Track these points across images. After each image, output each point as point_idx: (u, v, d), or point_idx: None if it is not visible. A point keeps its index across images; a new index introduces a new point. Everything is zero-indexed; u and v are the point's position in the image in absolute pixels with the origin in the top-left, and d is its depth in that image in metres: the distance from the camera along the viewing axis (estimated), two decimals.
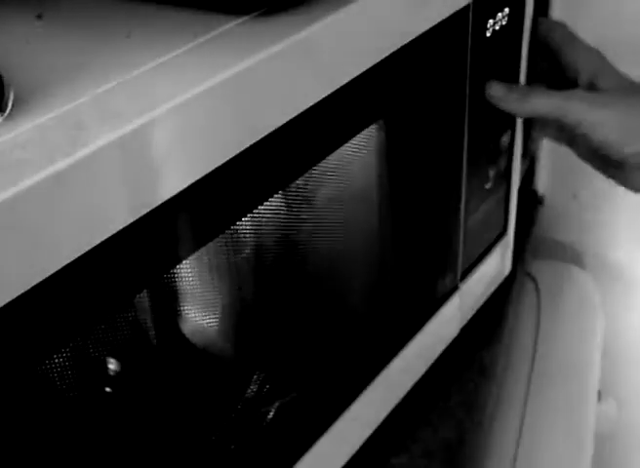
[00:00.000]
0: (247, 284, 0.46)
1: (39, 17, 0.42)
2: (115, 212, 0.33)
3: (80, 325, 0.34)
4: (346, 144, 0.46)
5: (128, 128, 0.32)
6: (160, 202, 0.34)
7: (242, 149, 0.37)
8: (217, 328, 0.45)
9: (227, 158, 0.37)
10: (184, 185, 0.35)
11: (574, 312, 0.85)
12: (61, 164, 0.30)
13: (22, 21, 0.42)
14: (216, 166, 0.36)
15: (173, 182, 0.35)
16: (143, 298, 0.39)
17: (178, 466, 0.43)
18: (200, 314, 0.44)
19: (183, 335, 0.43)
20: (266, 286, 0.47)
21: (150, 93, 0.34)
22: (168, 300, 0.41)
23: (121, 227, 0.33)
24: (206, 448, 0.45)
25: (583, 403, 0.76)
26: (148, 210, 0.34)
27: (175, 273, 0.39)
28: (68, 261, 0.31)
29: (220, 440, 0.46)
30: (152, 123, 0.33)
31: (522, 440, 0.70)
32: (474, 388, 0.66)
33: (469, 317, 0.69)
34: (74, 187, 0.31)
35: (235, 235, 0.42)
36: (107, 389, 0.38)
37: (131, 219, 0.33)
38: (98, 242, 0.32)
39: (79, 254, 0.32)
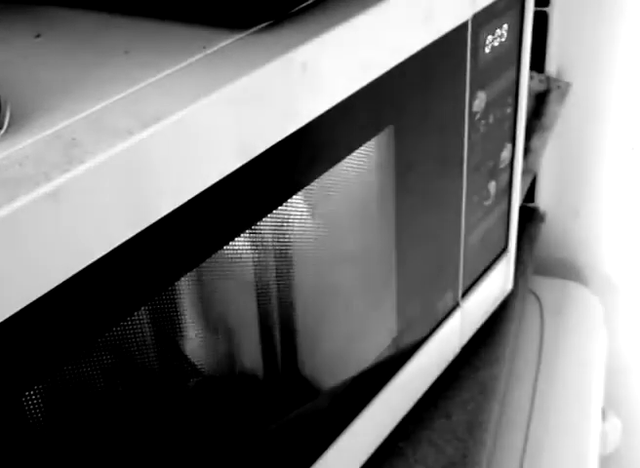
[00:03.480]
0: (250, 301, 0.45)
1: (38, 36, 0.42)
2: (112, 227, 0.32)
3: (76, 344, 0.33)
4: (350, 158, 0.46)
5: (125, 144, 0.32)
6: (158, 218, 0.34)
7: (247, 160, 0.37)
8: (220, 346, 0.45)
9: (229, 172, 0.36)
10: (182, 201, 0.35)
11: (577, 330, 0.85)
12: (58, 180, 0.30)
13: (21, 38, 0.42)
14: (217, 180, 0.36)
15: (170, 198, 0.35)
16: (142, 315, 0.39)
17: None
18: (201, 332, 0.43)
19: (184, 354, 0.43)
20: (265, 302, 0.46)
21: (148, 109, 0.34)
22: (168, 317, 0.40)
23: (119, 243, 0.33)
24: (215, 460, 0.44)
25: (587, 422, 0.75)
26: (146, 226, 0.34)
27: (176, 289, 0.39)
28: (66, 277, 0.31)
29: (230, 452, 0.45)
30: (149, 139, 0.33)
31: (525, 459, 0.69)
32: (476, 407, 0.65)
33: (471, 335, 0.69)
34: (71, 204, 0.31)
35: (234, 252, 0.41)
36: (104, 408, 0.38)
37: (129, 235, 0.33)
38: (96, 258, 0.32)
39: (78, 270, 0.31)
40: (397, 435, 0.60)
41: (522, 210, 0.78)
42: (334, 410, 0.53)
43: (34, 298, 0.30)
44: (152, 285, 0.36)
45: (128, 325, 0.37)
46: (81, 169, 0.31)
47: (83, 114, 0.34)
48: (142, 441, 0.39)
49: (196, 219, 0.36)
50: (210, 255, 0.39)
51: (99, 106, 0.35)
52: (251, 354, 0.47)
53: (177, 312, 0.40)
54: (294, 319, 0.48)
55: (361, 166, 0.48)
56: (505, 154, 0.63)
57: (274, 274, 0.45)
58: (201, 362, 0.43)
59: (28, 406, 0.32)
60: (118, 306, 0.35)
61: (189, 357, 0.42)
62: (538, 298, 0.86)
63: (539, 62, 0.80)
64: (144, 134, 0.33)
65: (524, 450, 0.70)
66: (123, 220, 0.33)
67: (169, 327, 0.40)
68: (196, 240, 0.37)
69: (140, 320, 0.37)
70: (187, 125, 0.34)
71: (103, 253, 0.32)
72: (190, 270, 0.38)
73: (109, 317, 0.35)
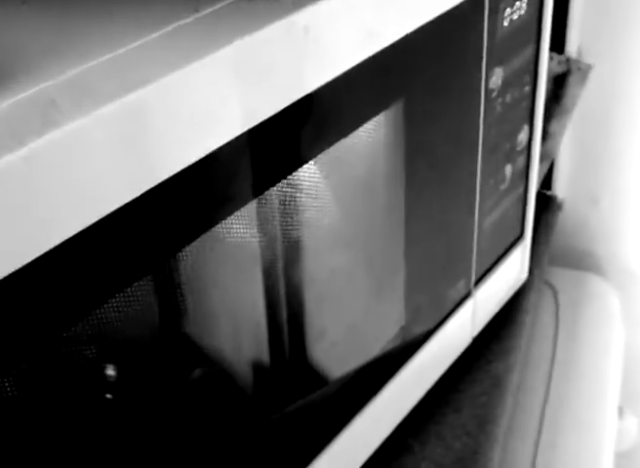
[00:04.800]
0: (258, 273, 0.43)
1: (24, 2, 0.40)
2: (97, 197, 0.30)
3: (65, 321, 0.31)
4: (357, 133, 0.43)
5: (110, 107, 0.30)
6: (153, 185, 0.32)
7: (249, 127, 0.35)
8: (223, 332, 0.42)
9: (231, 138, 0.34)
10: (179, 169, 0.33)
11: (593, 323, 0.82)
12: (32, 144, 0.28)
13: (6, 4, 0.39)
14: (218, 146, 0.34)
15: (168, 164, 0.32)
16: (136, 294, 0.36)
17: None
18: (203, 316, 0.40)
19: (185, 340, 0.40)
20: (271, 284, 0.44)
21: (134, 72, 0.32)
22: (166, 296, 0.38)
23: (105, 214, 0.30)
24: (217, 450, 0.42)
25: (603, 418, 0.73)
26: (138, 194, 0.31)
27: (173, 266, 0.37)
28: (50, 247, 0.29)
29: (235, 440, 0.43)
30: (136, 103, 0.30)
31: (539, 456, 0.67)
32: (488, 401, 0.62)
33: (483, 326, 0.66)
34: (47, 168, 0.28)
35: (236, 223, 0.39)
36: (103, 390, 0.36)
37: (116, 206, 0.31)
38: (81, 228, 0.30)
39: (63, 239, 0.29)
40: (404, 429, 0.58)
41: (539, 197, 0.75)
42: (339, 401, 0.51)
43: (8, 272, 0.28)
44: (144, 261, 0.34)
45: (117, 304, 0.34)
46: (58, 132, 0.28)
47: (65, 76, 0.31)
48: (144, 429, 0.38)
49: (196, 189, 0.34)
50: (211, 228, 0.36)
51: (82, 68, 0.32)
52: (256, 341, 0.44)
53: (175, 292, 0.38)
54: (300, 303, 0.46)
55: (368, 143, 0.46)
56: (523, 136, 0.60)
57: (280, 255, 0.43)
58: (204, 347, 0.41)
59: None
60: (112, 278, 0.32)
61: (192, 340, 0.40)
62: (553, 290, 0.84)
63: (558, 42, 0.77)
64: (131, 97, 0.31)
65: (537, 446, 0.68)
66: (111, 189, 0.30)
67: (167, 307, 0.38)
68: (197, 210, 0.35)
69: (133, 298, 0.35)
70: (178, 88, 0.32)
71: (85, 225, 0.30)
72: (190, 243, 0.36)
73: (96, 294, 0.32)
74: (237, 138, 0.35)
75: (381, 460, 0.57)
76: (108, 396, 0.36)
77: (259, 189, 0.39)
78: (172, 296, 0.38)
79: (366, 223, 0.49)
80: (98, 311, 0.33)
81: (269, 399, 0.45)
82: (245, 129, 0.35)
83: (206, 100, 0.33)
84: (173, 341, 0.39)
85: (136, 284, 0.35)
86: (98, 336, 0.34)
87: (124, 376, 0.36)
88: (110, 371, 0.36)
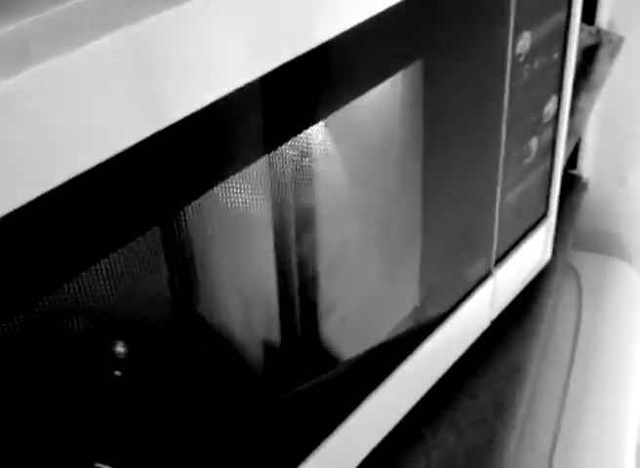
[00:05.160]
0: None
1: None
2: (81, 143, 0.27)
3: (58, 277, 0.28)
4: (373, 93, 0.40)
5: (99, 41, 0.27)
6: (148, 135, 0.29)
7: (257, 76, 0.33)
8: (232, 307, 0.39)
9: (238, 86, 0.32)
10: (173, 120, 0.30)
11: (617, 310, 0.80)
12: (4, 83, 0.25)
13: None
14: (222, 95, 0.31)
15: (157, 109, 0.29)
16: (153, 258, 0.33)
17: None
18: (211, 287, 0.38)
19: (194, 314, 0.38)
20: (282, 251, 0.41)
21: (117, 12, 0.28)
22: (180, 263, 0.35)
23: (95, 163, 0.28)
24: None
25: (627, 407, 0.70)
26: (132, 144, 0.29)
27: (174, 227, 0.34)
28: (39, 194, 0.26)
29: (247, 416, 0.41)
30: (132, 35, 0.27)
31: (558, 445, 0.64)
32: (506, 387, 0.60)
33: (503, 308, 0.63)
34: (20, 112, 0.25)
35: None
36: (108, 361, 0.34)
37: (109, 154, 0.28)
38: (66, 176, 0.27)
39: (51, 187, 0.27)
40: (416, 416, 0.56)
41: (564, 177, 0.71)
42: (349, 383, 0.48)
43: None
44: (147, 215, 0.31)
45: (126, 277, 0.32)
46: (32, 71, 0.25)
47: (43, 14, 0.28)
48: (152, 408, 0.36)
49: (201, 138, 0.32)
50: (218, 183, 0.34)
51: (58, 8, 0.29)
52: (266, 316, 0.42)
53: (184, 265, 0.35)
54: (311, 275, 0.43)
55: (384, 106, 0.42)
56: (550, 107, 0.57)
57: (291, 223, 0.40)
58: (213, 324, 0.39)
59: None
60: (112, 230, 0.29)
61: (202, 317, 0.38)
62: (576, 274, 0.81)
63: (589, 13, 0.73)
64: (132, 29, 0.28)
65: (556, 435, 0.65)
66: (113, 130, 0.28)
67: (176, 281, 0.35)
68: (203, 162, 0.32)
69: (141, 272, 0.33)
70: (178, 27, 0.29)
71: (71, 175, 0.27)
72: (196, 197, 0.33)
73: (97, 247, 0.30)
74: (245, 88, 0.32)
75: (391, 447, 0.54)
76: (117, 373, 0.34)
77: (269, 145, 0.36)
78: (180, 270, 0.35)
79: (380, 192, 0.45)
80: (105, 284, 0.31)
81: (279, 378, 0.43)
82: (252, 78, 0.32)
83: (211, 44, 0.30)
84: (183, 317, 0.37)
85: (144, 254, 0.32)
86: (105, 312, 0.32)
87: (133, 354, 0.34)
88: (119, 348, 0.34)
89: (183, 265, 0.35)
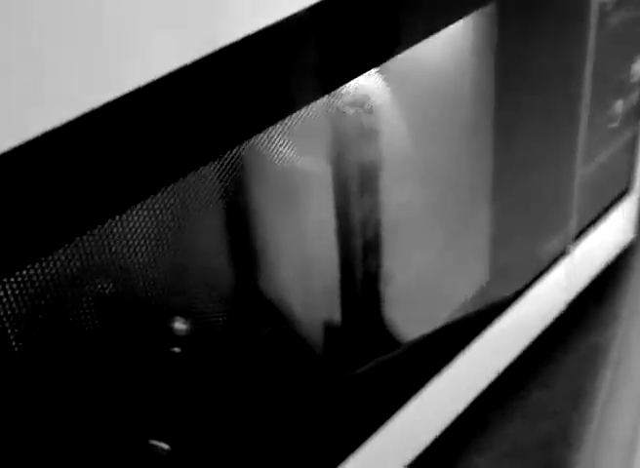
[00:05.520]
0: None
1: None
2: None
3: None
4: (440, 37, 0.36)
5: None
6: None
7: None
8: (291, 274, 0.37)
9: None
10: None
11: None
12: None
13: None
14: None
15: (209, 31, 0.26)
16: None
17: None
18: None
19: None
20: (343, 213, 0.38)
21: None
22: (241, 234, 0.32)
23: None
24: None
25: None
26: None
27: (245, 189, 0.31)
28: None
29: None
30: None
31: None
32: (582, 374, 0.57)
33: (580, 289, 0.60)
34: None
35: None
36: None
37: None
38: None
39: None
40: (483, 404, 0.53)
41: None
42: (410, 366, 0.46)
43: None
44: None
45: (184, 251, 0.29)
46: None
47: None
48: (210, 386, 0.34)
49: (255, 67, 0.29)
50: (273, 123, 0.31)
51: None
52: (326, 293, 0.39)
53: (245, 235, 0.32)
54: (372, 241, 0.40)
55: (454, 53, 0.39)
56: (638, 67, 0.52)
57: (353, 182, 0.37)
58: (275, 300, 0.36)
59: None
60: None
61: (261, 292, 0.36)
62: None
63: None
64: None
65: (637, 430, 0.60)
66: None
67: (236, 254, 0.32)
68: (258, 96, 0.29)
69: (199, 244, 0.30)
70: None
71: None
72: (257, 132, 0.30)
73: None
74: (301, 15, 0.29)
75: (456, 436, 0.51)
76: (176, 350, 0.33)
77: (327, 85, 0.32)
78: (240, 243, 0.33)
79: (447, 151, 0.41)
80: (164, 258, 0.29)
81: (339, 357, 0.41)
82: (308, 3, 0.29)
83: None
84: (244, 293, 0.35)
85: (203, 225, 0.30)
86: (164, 287, 0.30)
87: (193, 330, 0.33)
88: (178, 325, 0.33)
89: (244, 237, 0.33)
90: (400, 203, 0.40)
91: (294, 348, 0.38)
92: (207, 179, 0.29)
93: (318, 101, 0.32)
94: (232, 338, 0.35)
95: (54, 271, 0.25)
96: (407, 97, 0.37)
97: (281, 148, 0.32)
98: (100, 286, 0.28)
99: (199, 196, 0.29)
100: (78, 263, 0.26)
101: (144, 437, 0.32)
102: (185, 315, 0.32)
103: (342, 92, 0.33)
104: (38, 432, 0.27)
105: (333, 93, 0.33)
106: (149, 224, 0.28)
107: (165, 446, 0.33)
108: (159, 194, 0.28)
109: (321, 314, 0.39)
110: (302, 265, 0.37)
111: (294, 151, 0.33)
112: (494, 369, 0.53)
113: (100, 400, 0.29)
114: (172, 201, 0.28)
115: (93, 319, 0.28)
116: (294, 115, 0.31)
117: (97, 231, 0.26)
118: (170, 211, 0.28)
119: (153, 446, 0.33)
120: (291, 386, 0.38)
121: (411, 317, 0.45)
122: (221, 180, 0.30)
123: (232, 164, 0.30)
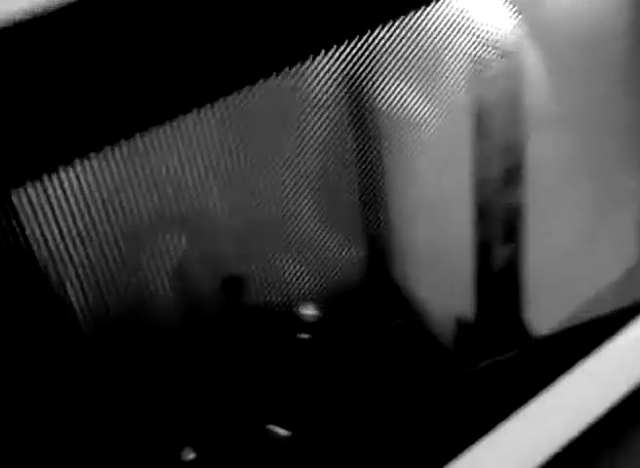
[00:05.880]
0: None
1: None
2: None
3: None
4: None
5: None
6: None
7: None
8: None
9: None
10: None
11: None
12: None
13: None
14: None
15: None
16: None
17: None
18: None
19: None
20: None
21: None
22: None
23: None
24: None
25: None
26: None
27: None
28: None
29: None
30: None
31: None
32: None
33: None
34: None
35: None
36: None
37: None
38: None
39: None
40: (618, 416, 0.47)
41: None
42: (539, 361, 0.42)
43: None
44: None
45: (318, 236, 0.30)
46: None
47: None
48: (334, 373, 0.34)
49: None
50: None
51: None
52: (460, 283, 0.38)
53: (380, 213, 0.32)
54: (512, 227, 0.38)
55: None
56: None
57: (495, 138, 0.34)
58: (405, 291, 0.36)
59: None
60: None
61: (393, 282, 0.35)
62: None
63: None
64: None
65: None
66: None
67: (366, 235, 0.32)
68: None
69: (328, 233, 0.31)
70: None
71: None
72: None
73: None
74: None
75: (585, 447, 0.47)
76: (303, 336, 0.34)
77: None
78: (371, 229, 0.32)
79: (596, 108, 0.38)
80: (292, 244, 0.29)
81: (468, 351, 0.40)
82: None
83: None
84: (376, 283, 0.35)
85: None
86: (294, 274, 0.31)
87: (321, 317, 0.33)
88: (307, 311, 0.33)
89: (377, 222, 0.32)
90: (546, 165, 0.36)
91: (422, 342, 0.37)
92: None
93: None
94: (359, 329, 0.34)
95: None
96: (554, 45, 0.33)
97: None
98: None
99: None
100: None
101: (261, 421, 0.32)
102: (315, 301, 0.32)
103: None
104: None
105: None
106: None
107: (284, 431, 0.33)
108: None
109: (453, 306, 0.38)
110: (437, 251, 0.36)
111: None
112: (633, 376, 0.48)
113: (220, 383, 0.30)
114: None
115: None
116: None
117: None
118: None
119: (271, 431, 0.33)
120: (416, 379, 0.37)
121: (547, 306, 0.42)
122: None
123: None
